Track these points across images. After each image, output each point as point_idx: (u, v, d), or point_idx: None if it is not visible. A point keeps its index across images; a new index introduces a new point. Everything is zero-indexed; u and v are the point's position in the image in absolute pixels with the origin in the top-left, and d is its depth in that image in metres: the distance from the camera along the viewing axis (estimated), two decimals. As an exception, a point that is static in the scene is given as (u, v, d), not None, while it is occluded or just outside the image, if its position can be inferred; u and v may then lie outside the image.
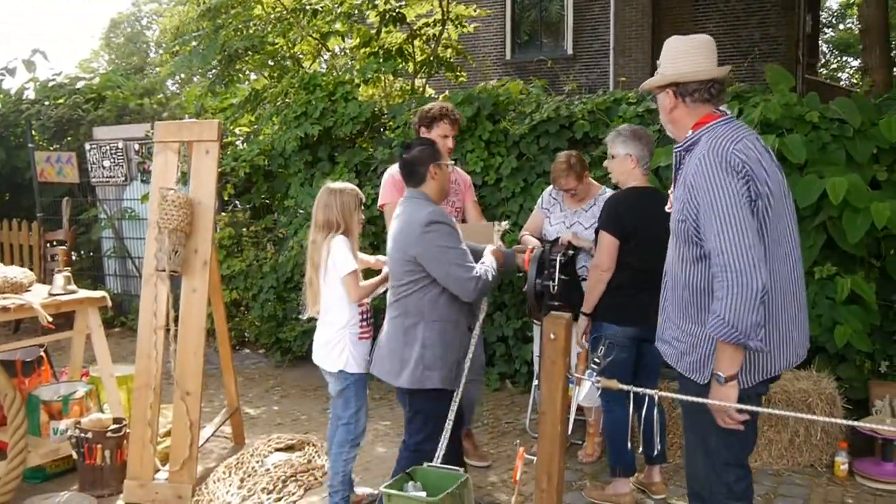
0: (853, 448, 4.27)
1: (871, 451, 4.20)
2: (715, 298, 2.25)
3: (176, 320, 3.97)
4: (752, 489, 2.57)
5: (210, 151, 4.04)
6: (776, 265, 2.37)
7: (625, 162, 3.68)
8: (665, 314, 2.62)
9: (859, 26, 9.48)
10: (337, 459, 3.56)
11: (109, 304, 4.46)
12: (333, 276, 3.42)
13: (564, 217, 4.27)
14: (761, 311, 2.21)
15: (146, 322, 3.96)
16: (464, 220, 4.37)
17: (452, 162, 3.78)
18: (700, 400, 2.32)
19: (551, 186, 4.42)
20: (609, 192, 4.29)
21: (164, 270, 3.85)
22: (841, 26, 30.75)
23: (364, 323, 3.50)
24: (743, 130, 2.43)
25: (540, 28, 15.90)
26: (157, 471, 3.92)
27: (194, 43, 8.48)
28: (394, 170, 4.26)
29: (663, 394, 2.39)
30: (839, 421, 2.30)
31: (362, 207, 3.57)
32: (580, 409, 4.45)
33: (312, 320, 6.48)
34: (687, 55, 2.50)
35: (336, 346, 3.45)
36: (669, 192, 2.65)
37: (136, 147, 8.30)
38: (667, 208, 2.60)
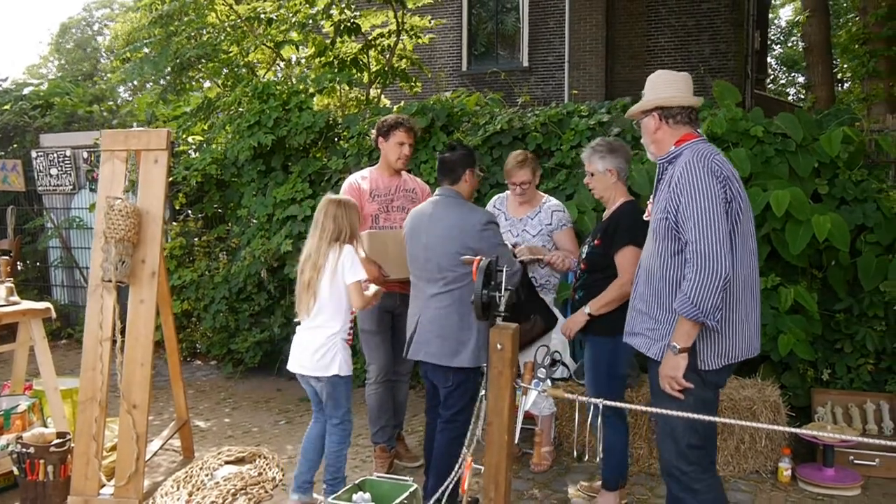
0: (796, 454, 4.38)
1: (812, 457, 4.32)
2: (685, 280, 2.61)
3: (123, 332, 3.89)
4: (715, 471, 2.90)
5: (159, 160, 3.99)
6: (741, 262, 2.72)
7: (605, 177, 3.67)
8: (634, 309, 2.94)
9: (803, 45, 9.78)
10: (339, 456, 3.70)
11: (53, 315, 4.36)
12: (340, 282, 3.56)
13: (510, 226, 4.28)
14: (722, 295, 2.57)
15: (92, 334, 3.87)
16: None
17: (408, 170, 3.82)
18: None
19: (495, 198, 4.47)
20: (554, 201, 4.33)
21: (110, 281, 3.78)
22: (789, 43, 31.66)
23: (351, 330, 3.71)
24: (719, 151, 2.85)
25: (496, 40, 16.03)
26: (103, 486, 3.82)
27: (146, 50, 8.37)
28: (353, 178, 4.31)
29: (621, 405, 2.42)
30: (782, 428, 2.36)
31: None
32: (528, 417, 4.50)
33: (265, 330, 6.48)
34: (670, 84, 2.92)
35: (329, 351, 3.57)
36: (648, 203, 2.98)
37: (85, 155, 8.14)
38: (645, 216, 2.95)
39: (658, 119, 2.88)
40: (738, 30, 14.32)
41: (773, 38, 30.33)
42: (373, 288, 3.77)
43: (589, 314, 3.61)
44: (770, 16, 26.42)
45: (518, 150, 4.53)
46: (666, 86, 2.91)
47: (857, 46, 10.31)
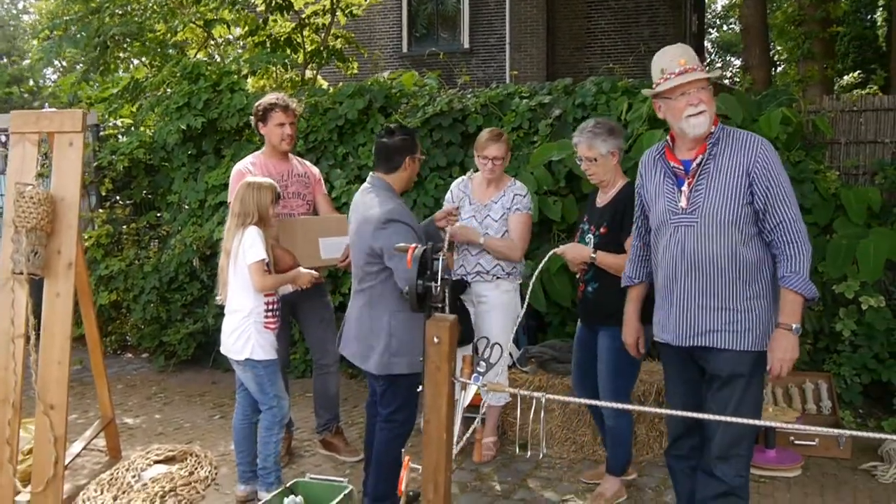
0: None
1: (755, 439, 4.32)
2: (791, 261, 2.64)
3: (38, 327, 3.64)
4: None
5: (74, 143, 3.72)
6: None
7: (608, 160, 3.53)
8: (699, 308, 2.76)
9: (740, 26, 9.87)
10: (267, 443, 3.62)
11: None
12: (242, 263, 3.51)
13: (475, 211, 4.11)
14: None
15: (2, 331, 3.60)
16: (315, 213, 4.33)
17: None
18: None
19: (458, 181, 4.29)
20: (519, 184, 4.17)
21: (21, 273, 3.52)
22: (725, 27, 32.24)
23: (269, 314, 3.60)
24: None
25: (437, 21, 15.84)
26: (18, 493, 3.58)
27: (73, 28, 7.92)
28: (241, 165, 4.18)
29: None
30: (728, 419, 2.27)
31: (278, 201, 3.67)
32: (476, 405, 4.40)
33: (198, 321, 6.23)
34: None
35: (242, 334, 3.54)
36: (684, 188, 2.77)
37: (3, 139, 7.69)
38: (682, 204, 2.76)
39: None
40: (677, 13, 14.45)
41: (709, 21, 30.82)
42: (303, 272, 3.73)
43: (593, 258, 3.52)
44: (706, 1, 26.81)
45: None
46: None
47: (792, 28, 10.45)
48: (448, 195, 4.29)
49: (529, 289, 3.27)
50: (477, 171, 4.20)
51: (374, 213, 3.23)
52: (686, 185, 2.77)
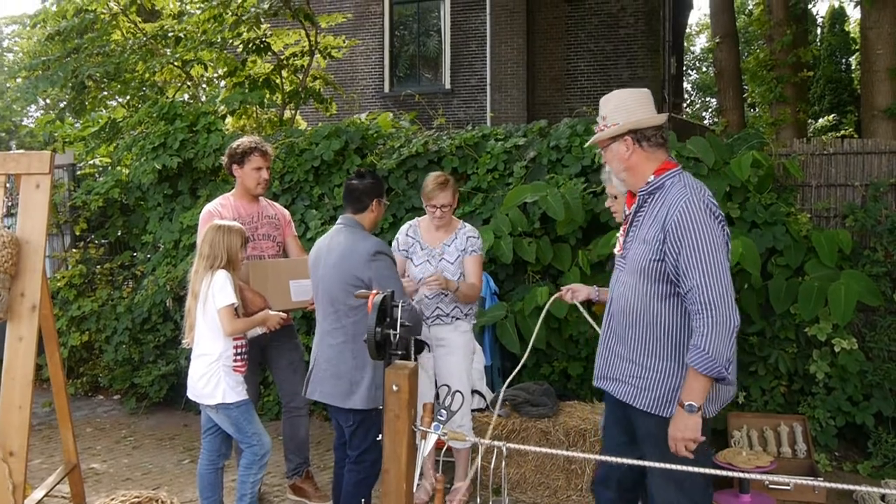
0: (714, 480, 4.32)
1: (729, 483, 4.28)
2: (696, 334, 2.41)
3: (-1, 372, 3.57)
4: None
5: (41, 185, 3.68)
6: None
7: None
8: (611, 352, 2.74)
9: (714, 70, 10.04)
10: (244, 482, 3.58)
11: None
12: (211, 307, 3.47)
13: (428, 256, 4.09)
14: (734, 346, 2.41)
15: (-38, 375, 3.53)
16: (285, 255, 4.33)
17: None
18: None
19: (405, 226, 4.25)
20: (470, 227, 4.18)
21: (-17, 317, 3.46)
22: (703, 69, 32.86)
23: (238, 357, 3.54)
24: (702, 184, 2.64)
25: (418, 62, 16.00)
26: (-26, 543, 3.47)
27: (51, 67, 7.91)
28: (212, 206, 4.15)
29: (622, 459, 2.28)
30: (702, 470, 2.24)
31: (246, 245, 3.66)
32: (449, 449, 4.35)
33: (171, 362, 6.14)
34: (639, 105, 2.65)
35: (211, 378, 3.48)
36: (619, 234, 2.80)
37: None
38: (616, 250, 2.76)
39: (632, 143, 2.63)
40: (655, 55, 14.66)
41: (688, 64, 31.43)
42: (271, 315, 3.70)
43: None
44: (686, 44, 27.36)
45: (436, 171, 4.39)
46: (639, 106, 2.65)
47: (765, 72, 10.66)
48: (395, 244, 4.20)
49: (534, 333, 3.62)
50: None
51: (363, 246, 3.31)
52: (621, 231, 2.79)
